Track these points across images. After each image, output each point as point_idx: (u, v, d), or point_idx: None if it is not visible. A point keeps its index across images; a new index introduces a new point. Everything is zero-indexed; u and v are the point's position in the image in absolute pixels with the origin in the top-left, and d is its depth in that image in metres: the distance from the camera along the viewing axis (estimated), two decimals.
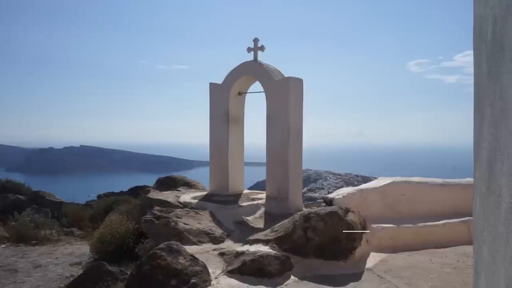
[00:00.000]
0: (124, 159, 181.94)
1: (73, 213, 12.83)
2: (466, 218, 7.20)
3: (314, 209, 6.49)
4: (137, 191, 15.17)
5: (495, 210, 2.49)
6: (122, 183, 36.21)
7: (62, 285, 7.35)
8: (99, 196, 18.01)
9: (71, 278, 7.42)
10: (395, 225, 6.97)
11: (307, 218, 5.99)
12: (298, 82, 8.58)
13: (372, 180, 8.46)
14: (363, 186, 7.79)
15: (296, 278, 5.40)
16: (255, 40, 9.05)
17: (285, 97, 8.37)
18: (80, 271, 7.65)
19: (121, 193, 17.70)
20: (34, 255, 9.13)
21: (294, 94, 8.44)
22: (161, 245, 5.23)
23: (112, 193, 18.10)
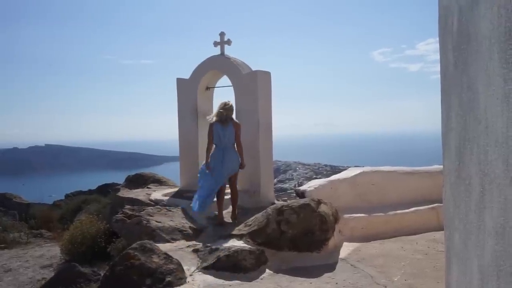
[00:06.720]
0: (91, 157, 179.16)
1: (41, 215, 12.61)
2: (435, 204, 7.33)
3: (287, 202, 6.52)
4: (106, 189, 15.01)
5: (465, 199, 2.54)
6: (90, 181, 35.70)
7: None
8: (66, 196, 17.74)
9: (43, 281, 7.30)
10: (366, 215, 7.05)
11: (280, 211, 6.01)
12: (266, 75, 8.58)
13: (341, 169, 8.54)
14: (334, 177, 7.84)
15: (271, 272, 5.41)
16: (221, 34, 8.98)
17: (253, 90, 8.36)
18: (52, 274, 7.52)
19: (90, 191, 17.49)
20: (3, 259, 8.93)
21: (262, 87, 8.43)
22: (134, 245, 5.18)
23: (80, 192, 17.86)
